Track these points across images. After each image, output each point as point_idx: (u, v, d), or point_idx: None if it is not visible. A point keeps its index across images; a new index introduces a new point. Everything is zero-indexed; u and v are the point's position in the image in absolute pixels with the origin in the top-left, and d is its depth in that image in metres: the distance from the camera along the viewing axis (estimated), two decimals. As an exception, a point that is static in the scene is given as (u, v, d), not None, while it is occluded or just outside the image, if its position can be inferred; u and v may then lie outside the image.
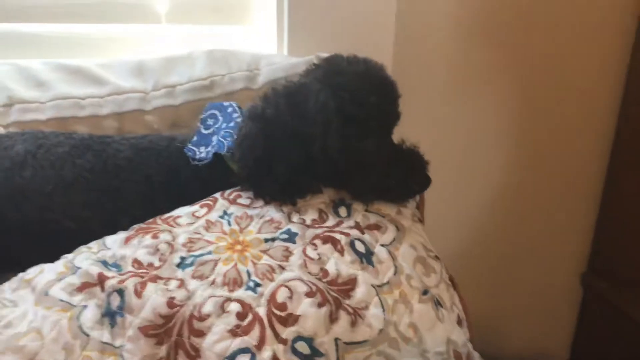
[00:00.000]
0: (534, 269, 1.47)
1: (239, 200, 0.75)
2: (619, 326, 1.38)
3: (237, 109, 0.82)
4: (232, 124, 0.80)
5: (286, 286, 0.63)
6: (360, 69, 0.75)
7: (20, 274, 0.67)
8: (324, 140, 0.72)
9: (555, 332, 1.55)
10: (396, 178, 0.76)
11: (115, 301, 0.61)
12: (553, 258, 1.47)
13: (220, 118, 0.82)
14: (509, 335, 1.49)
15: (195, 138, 0.80)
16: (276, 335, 0.59)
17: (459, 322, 0.72)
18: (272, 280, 0.64)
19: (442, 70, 1.22)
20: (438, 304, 0.70)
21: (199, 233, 0.70)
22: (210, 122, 0.82)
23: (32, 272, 0.67)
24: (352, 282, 0.66)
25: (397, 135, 0.80)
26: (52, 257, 0.69)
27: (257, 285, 0.63)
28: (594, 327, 1.48)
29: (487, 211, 1.39)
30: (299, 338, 0.59)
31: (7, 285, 0.67)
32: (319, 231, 0.71)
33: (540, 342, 1.56)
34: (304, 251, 0.68)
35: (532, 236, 1.44)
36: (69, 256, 0.69)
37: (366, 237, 0.72)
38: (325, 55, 0.97)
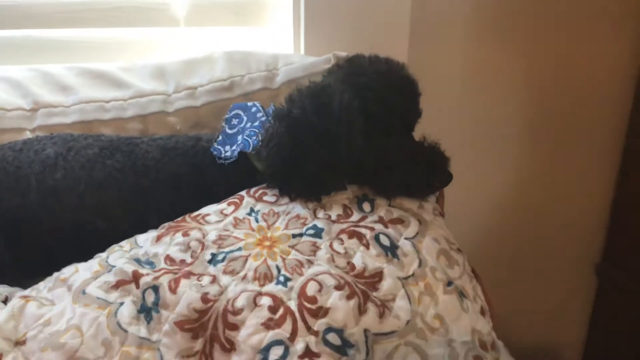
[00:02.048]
0: (548, 260, 1.47)
1: (264, 198, 0.77)
2: (635, 316, 1.38)
3: (260, 108, 0.84)
4: (256, 123, 0.81)
5: (315, 280, 0.65)
6: (382, 68, 0.76)
7: (55, 274, 0.70)
8: (349, 139, 0.73)
9: (570, 323, 1.56)
10: (419, 175, 0.78)
11: (151, 297, 0.63)
12: (567, 249, 1.47)
13: (245, 118, 0.84)
14: (524, 326, 1.50)
15: (220, 138, 0.82)
16: (308, 327, 0.61)
17: (483, 313, 0.73)
18: (301, 274, 0.66)
19: (456, 67, 1.23)
20: (462, 295, 0.71)
21: (228, 230, 0.71)
22: (234, 121, 0.84)
23: (67, 271, 0.69)
24: (378, 275, 0.67)
25: (417, 133, 0.81)
26: (84, 257, 0.71)
27: (287, 279, 0.65)
28: (609, 317, 1.49)
29: (502, 204, 1.41)
30: (329, 329, 0.61)
31: (42, 284, 0.69)
32: (344, 226, 0.73)
33: (555, 332, 1.57)
34: (330, 246, 0.70)
35: (547, 227, 1.44)
36: (102, 255, 0.71)
37: (390, 231, 0.73)
38: (342, 54, 1.00)
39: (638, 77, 1.35)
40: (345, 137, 0.73)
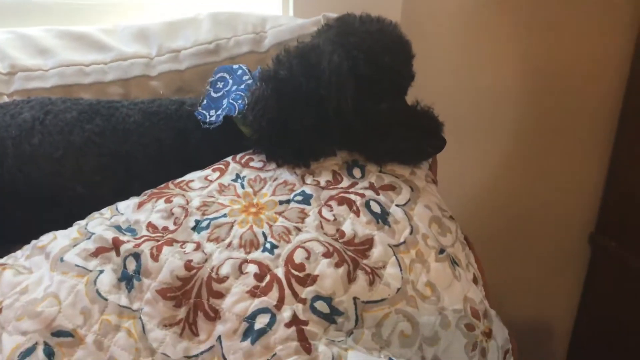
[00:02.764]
0: (542, 231, 1.47)
1: (251, 164, 0.74)
2: (628, 285, 1.38)
3: (247, 71, 0.81)
4: (242, 87, 0.78)
5: (303, 247, 0.63)
6: (373, 28, 0.73)
7: (33, 241, 0.67)
8: (338, 102, 0.70)
9: (563, 292, 1.56)
10: (411, 140, 0.75)
11: (132, 265, 0.61)
12: (561, 219, 1.46)
13: (230, 81, 0.80)
14: (518, 296, 1.50)
15: (205, 101, 0.79)
16: (295, 295, 0.59)
17: (475, 281, 0.72)
18: (288, 241, 0.63)
19: (451, 29, 1.19)
20: (454, 262, 0.70)
21: (213, 196, 0.69)
22: (220, 85, 0.80)
23: (45, 239, 0.67)
24: (368, 242, 0.65)
25: (410, 96, 0.79)
26: (63, 225, 0.69)
27: (274, 246, 0.63)
28: (602, 286, 1.49)
29: (495, 173, 1.39)
30: (317, 297, 0.59)
31: (20, 252, 0.67)
32: (333, 192, 0.70)
33: (548, 302, 1.57)
34: (319, 212, 0.67)
35: (540, 198, 1.43)
36: (81, 222, 0.68)
37: (381, 197, 0.71)
38: (332, 15, 0.96)
39: (631, 64, 1.34)
40: (334, 100, 0.70)
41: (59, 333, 0.56)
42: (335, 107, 0.71)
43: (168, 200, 0.68)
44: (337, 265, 0.61)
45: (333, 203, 0.69)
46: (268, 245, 0.63)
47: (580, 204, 1.48)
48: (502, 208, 1.42)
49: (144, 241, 0.62)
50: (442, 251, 0.69)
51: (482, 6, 1.19)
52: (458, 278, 0.68)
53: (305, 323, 0.58)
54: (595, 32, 1.30)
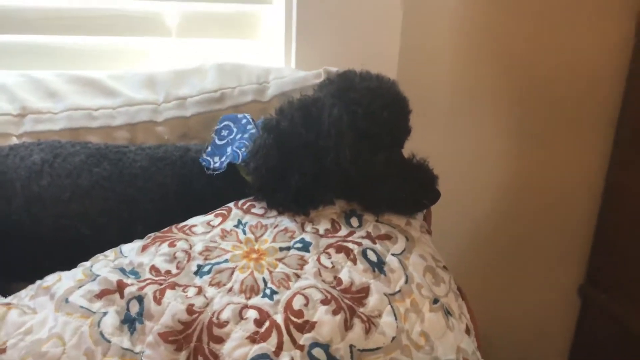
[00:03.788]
0: (531, 281, 1.48)
1: (252, 210, 0.77)
2: (617, 338, 1.39)
3: (251, 120, 0.84)
4: (246, 135, 0.81)
5: (302, 294, 0.64)
6: (373, 84, 0.77)
7: (38, 282, 0.68)
8: (337, 152, 0.74)
9: (552, 344, 1.57)
10: (407, 192, 0.78)
11: (135, 308, 0.62)
12: (550, 270, 1.48)
13: (235, 129, 0.83)
14: (506, 345, 1.50)
15: (209, 149, 0.82)
16: (293, 341, 0.60)
17: (467, 332, 0.74)
18: (288, 288, 0.65)
19: (446, 84, 1.24)
20: (448, 313, 0.71)
21: (215, 241, 0.71)
22: (224, 133, 0.84)
23: (49, 279, 0.68)
24: (365, 291, 0.67)
25: (406, 149, 0.82)
26: (68, 266, 0.70)
27: (274, 292, 0.64)
28: (592, 338, 1.50)
29: (486, 223, 1.42)
30: (315, 344, 0.61)
31: (24, 292, 0.68)
32: (332, 240, 0.72)
33: (537, 353, 1.58)
34: (318, 260, 0.69)
35: (530, 248, 1.46)
36: (86, 264, 0.70)
37: (378, 246, 0.73)
38: (333, 69, 1.00)
39: (628, 68, 1.35)
40: (333, 150, 0.74)
41: (62, 374, 0.57)
42: (334, 157, 0.74)
43: (171, 244, 0.70)
44: (335, 312, 0.63)
45: (331, 251, 0.71)
46: (268, 291, 0.65)
47: (570, 255, 1.50)
48: (490, 257, 1.44)
49: (147, 284, 0.64)
50: (436, 301, 0.71)
51: (474, 58, 1.25)
52: (451, 328, 0.70)
53: (303, 369, 0.59)
54: (593, 42, 1.32)
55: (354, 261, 0.70)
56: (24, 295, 0.67)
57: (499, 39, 1.26)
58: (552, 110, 1.35)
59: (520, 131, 1.35)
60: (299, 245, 0.71)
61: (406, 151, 0.82)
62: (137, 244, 0.72)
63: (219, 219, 0.75)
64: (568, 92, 1.35)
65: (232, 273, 0.66)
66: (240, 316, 0.62)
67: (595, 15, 1.31)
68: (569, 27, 1.31)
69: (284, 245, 0.71)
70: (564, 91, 1.34)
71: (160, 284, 0.64)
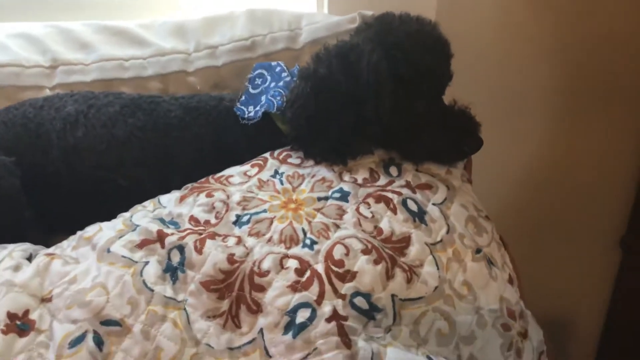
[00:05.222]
0: (573, 232, 1.46)
1: (289, 160, 0.75)
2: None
3: (285, 68, 0.82)
4: (281, 83, 0.79)
5: (342, 243, 0.64)
6: (412, 28, 0.73)
7: (79, 232, 0.69)
8: (376, 101, 0.71)
9: (591, 298, 1.55)
10: (448, 140, 0.76)
11: (176, 257, 0.62)
12: (592, 221, 1.45)
13: (269, 77, 0.81)
14: (546, 296, 1.49)
15: (243, 97, 0.80)
16: (335, 290, 0.60)
17: (511, 281, 0.72)
18: (327, 238, 0.64)
19: (486, 29, 1.19)
20: (490, 262, 0.70)
21: (252, 192, 0.70)
22: (258, 81, 0.82)
23: (90, 230, 0.68)
24: (406, 240, 0.66)
25: (447, 96, 0.79)
26: (106, 216, 0.71)
27: (314, 242, 0.64)
28: (632, 289, 1.48)
29: (528, 173, 1.38)
30: (357, 293, 0.60)
31: (66, 243, 0.69)
32: (371, 190, 0.71)
33: (575, 307, 1.57)
34: (357, 209, 0.68)
35: (572, 199, 1.42)
36: (125, 214, 0.70)
37: (418, 196, 0.72)
38: (368, 12, 0.96)
39: None
40: (372, 99, 0.71)
41: (107, 322, 0.58)
42: (373, 106, 0.72)
43: (209, 195, 0.69)
44: (376, 262, 0.62)
45: (370, 200, 0.69)
46: (308, 241, 0.64)
47: (613, 206, 1.46)
48: (531, 208, 1.41)
49: (187, 234, 0.64)
50: (478, 251, 0.69)
51: (519, 4, 1.19)
52: (494, 278, 0.68)
53: (345, 318, 0.59)
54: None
55: (394, 211, 0.69)
56: (66, 246, 0.68)
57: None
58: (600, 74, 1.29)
59: (568, 79, 1.29)
60: (337, 194, 0.70)
61: (447, 98, 0.78)
62: (175, 194, 0.71)
63: (256, 169, 0.74)
64: (615, 62, 1.29)
65: (271, 223, 0.66)
66: (281, 265, 0.61)
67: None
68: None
69: (322, 195, 0.70)
70: (613, 60, 1.28)
71: (200, 234, 0.64)
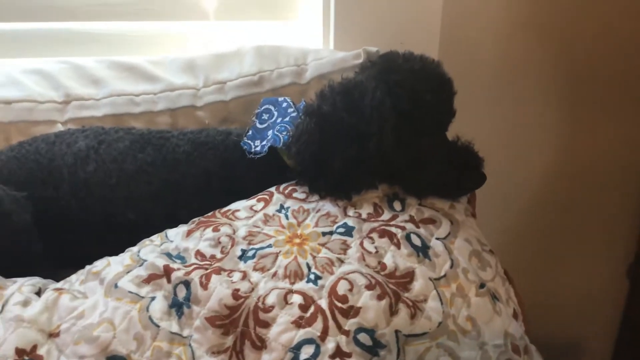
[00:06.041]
0: (579, 262, 1.45)
1: (294, 195, 0.76)
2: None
3: (291, 104, 0.83)
4: (287, 119, 0.81)
5: (346, 279, 0.64)
6: (416, 66, 0.75)
7: (88, 267, 0.70)
8: (380, 137, 0.72)
9: (600, 326, 1.54)
10: (451, 175, 0.77)
11: (182, 292, 0.63)
12: (599, 249, 1.45)
13: (275, 113, 0.83)
14: (553, 326, 1.48)
15: (250, 132, 0.82)
16: (339, 326, 0.60)
17: (515, 316, 0.72)
18: (331, 273, 0.65)
19: (488, 65, 1.21)
20: (494, 297, 0.70)
21: (258, 226, 0.71)
22: (265, 116, 0.83)
23: (99, 264, 0.69)
24: (409, 275, 0.67)
25: (450, 131, 0.80)
26: (115, 250, 0.72)
27: (318, 277, 0.64)
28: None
29: (533, 205, 1.38)
30: (360, 329, 0.60)
31: (74, 277, 0.70)
32: (375, 225, 0.72)
33: (584, 334, 1.55)
34: (361, 244, 0.69)
35: (578, 228, 1.42)
36: (133, 249, 0.71)
37: (421, 230, 0.72)
38: (372, 49, 0.98)
39: None
40: (376, 135, 0.72)
41: (114, 358, 0.58)
42: (377, 142, 0.73)
43: (215, 229, 0.70)
44: (380, 297, 0.63)
45: (374, 235, 0.70)
46: (312, 276, 0.64)
47: (621, 234, 1.45)
48: (537, 240, 1.41)
49: (193, 269, 0.65)
50: (482, 285, 0.69)
51: (519, 40, 1.20)
52: (499, 313, 0.68)
53: (349, 355, 0.59)
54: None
55: (398, 245, 0.69)
56: (75, 280, 0.69)
57: (546, 13, 1.21)
58: (601, 88, 1.30)
59: (568, 111, 1.30)
60: (341, 229, 0.71)
61: (450, 133, 0.80)
62: (182, 228, 0.72)
63: (262, 204, 0.75)
64: (617, 71, 1.29)
65: (276, 258, 0.66)
66: (285, 301, 0.62)
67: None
68: (622, 20, 1.24)
69: (326, 230, 0.71)
70: (615, 69, 1.29)
71: (206, 269, 0.65)
